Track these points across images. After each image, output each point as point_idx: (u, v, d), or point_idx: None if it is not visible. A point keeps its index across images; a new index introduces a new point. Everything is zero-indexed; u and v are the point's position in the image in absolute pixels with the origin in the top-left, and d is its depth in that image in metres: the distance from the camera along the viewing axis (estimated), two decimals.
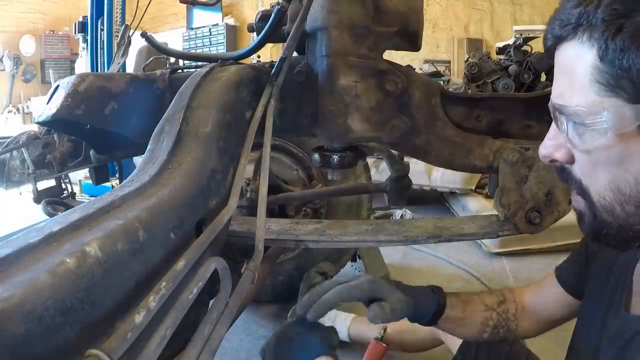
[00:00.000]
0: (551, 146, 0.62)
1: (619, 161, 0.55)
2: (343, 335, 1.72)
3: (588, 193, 0.61)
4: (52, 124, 1.20)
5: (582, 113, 0.55)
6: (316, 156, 1.05)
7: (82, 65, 5.31)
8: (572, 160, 0.61)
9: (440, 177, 3.20)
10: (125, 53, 1.85)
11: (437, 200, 3.59)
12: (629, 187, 0.56)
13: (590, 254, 0.86)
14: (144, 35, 1.21)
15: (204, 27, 6.96)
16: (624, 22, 0.48)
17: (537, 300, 0.96)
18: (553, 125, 0.61)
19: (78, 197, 3.01)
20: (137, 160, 1.43)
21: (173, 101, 0.86)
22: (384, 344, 1.49)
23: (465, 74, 3.84)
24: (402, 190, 1.53)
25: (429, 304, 0.91)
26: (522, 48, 3.83)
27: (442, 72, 5.29)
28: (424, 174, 3.20)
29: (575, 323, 0.86)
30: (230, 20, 7.05)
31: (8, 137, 1.91)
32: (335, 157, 1.03)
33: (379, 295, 0.86)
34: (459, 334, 0.99)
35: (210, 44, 6.88)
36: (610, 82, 0.51)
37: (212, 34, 6.90)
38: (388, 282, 0.90)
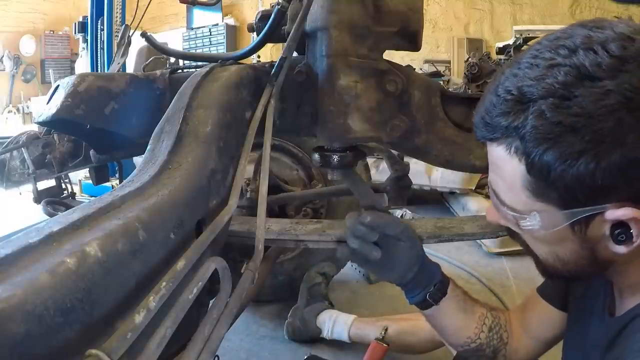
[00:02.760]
0: (495, 215, 0.68)
1: (554, 242, 0.62)
2: (343, 335, 1.72)
3: (533, 253, 0.68)
4: (52, 124, 1.20)
5: (516, 210, 0.61)
6: (316, 156, 1.05)
7: (82, 65, 5.30)
8: (513, 227, 0.66)
9: (440, 177, 3.20)
10: (125, 53, 1.85)
11: (437, 200, 3.59)
12: (565, 256, 0.62)
13: None
14: (144, 35, 1.21)
15: (204, 27, 6.95)
16: (548, 146, 0.52)
17: (528, 319, 0.93)
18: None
19: (78, 197, 3.01)
20: (137, 160, 1.43)
21: (173, 101, 0.86)
22: (384, 345, 1.49)
23: (465, 74, 3.83)
24: (402, 190, 1.53)
25: (435, 267, 0.90)
26: (522, 48, 3.83)
27: (442, 72, 5.28)
28: (424, 174, 3.20)
29: (566, 332, 0.85)
30: (230, 20, 7.05)
31: (8, 137, 1.92)
32: (335, 157, 1.02)
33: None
34: (458, 329, 0.92)
35: (210, 44, 6.87)
36: (538, 191, 0.56)
37: (212, 34, 6.89)
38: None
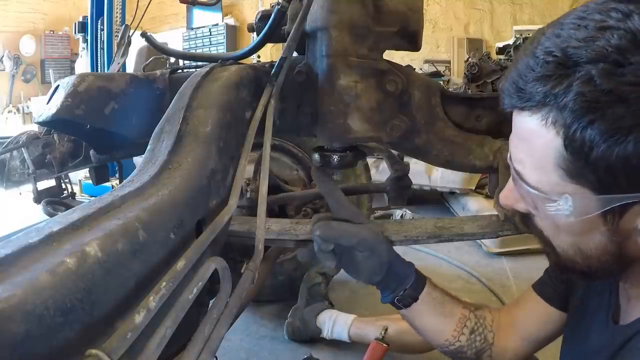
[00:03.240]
0: (512, 198, 0.61)
1: (580, 233, 0.55)
2: (343, 335, 1.72)
3: (550, 243, 0.61)
4: (52, 124, 1.20)
5: (543, 192, 0.53)
6: (316, 156, 1.05)
7: (82, 65, 5.31)
8: (533, 212, 0.60)
9: (440, 177, 3.20)
10: (125, 53, 1.85)
11: (437, 200, 3.59)
12: (590, 250, 0.56)
13: None
14: (144, 35, 1.21)
15: (204, 27, 6.95)
16: (594, 117, 0.46)
17: (521, 318, 0.91)
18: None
19: (78, 197, 3.01)
20: (137, 160, 1.43)
21: (173, 101, 0.86)
22: (384, 345, 1.49)
23: (465, 74, 3.83)
24: (402, 190, 1.52)
25: (407, 272, 0.87)
26: None
27: (442, 72, 5.29)
28: (424, 174, 3.20)
29: (563, 336, 0.84)
30: (230, 20, 7.05)
31: (8, 137, 1.91)
32: (335, 157, 1.02)
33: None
34: (434, 331, 0.90)
35: (210, 44, 6.87)
36: (574, 172, 0.50)
37: (212, 34, 6.89)
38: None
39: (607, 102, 0.45)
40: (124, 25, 2.14)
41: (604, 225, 0.53)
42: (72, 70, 7.42)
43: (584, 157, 0.48)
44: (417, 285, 0.87)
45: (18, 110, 7.40)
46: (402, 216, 2.93)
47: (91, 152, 1.27)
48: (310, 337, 1.81)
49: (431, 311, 0.88)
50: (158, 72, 1.15)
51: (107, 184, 2.40)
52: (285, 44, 0.95)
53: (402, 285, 0.86)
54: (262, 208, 0.76)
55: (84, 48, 4.87)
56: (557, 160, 0.50)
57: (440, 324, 0.89)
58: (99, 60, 4.05)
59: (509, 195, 0.62)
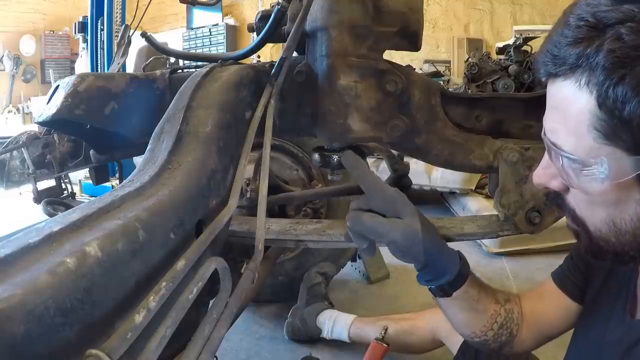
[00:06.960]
0: (545, 175, 0.61)
1: (615, 203, 0.55)
2: (343, 335, 1.73)
3: (583, 222, 0.61)
4: (52, 124, 1.20)
5: (578, 157, 0.54)
6: (316, 156, 1.05)
7: (82, 65, 5.32)
8: (566, 189, 0.60)
9: (440, 177, 3.20)
10: (125, 53, 1.85)
11: (437, 200, 3.59)
12: (624, 224, 0.56)
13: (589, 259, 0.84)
14: (144, 35, 1.21)
15: (204, 27, 6.96)
16: (625, 72, 0.47)
17: (538, 309, 0.91)
18: (546, 154, 0.60)
19: (78, 197, 3.01)
20: (137, 160, 1.43)
21: (173, 101, 0.86)
22: (384, 345, 1.49)
23: (465, 74, 3.83)
24: (402, 190, 1.52)
25: (448, 264, 0.82)
26: (522, 48, 3.83)
27: (442, 72, 5.29)
28: (424, 174, 3.20)
29: (574, 328, 0.84)
30: (230, 20, 7.05)
31: (8, 137, 1.91)
32: (335, 158, 1.02)
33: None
34: (464, 323, 0.89)
35: (210, 44, 6.88)
36: (608, 131, 0.50)
37: (212, 34, 6.90)
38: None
39: (637, 57, 0.46)
40: (124, 25, 2.15)
41: (639, 191, 0.53)
42: (72, 70, 7.42)
43: (618, 115, 0.48)
44: (454, 283, 0.83)
45: (18, 110, 7.41)
46: None
47: (91, 152, 1.27)
48: (310, 337, 1.81)
49: (464, 307, 0.86)
50: (158, 72, 1.15)
51: (107, 184, 2.40)
52: (285, 44, 0.95)
53: (437, 281, 0.83)
54: (262, 208, 0.76)
55: (84, 48, 4.88)
56: (592, 121, 0.51)
57: (471, 318, 0.87)
58: (99, 60, 4.05)
59: (542, 173, 0.62)
